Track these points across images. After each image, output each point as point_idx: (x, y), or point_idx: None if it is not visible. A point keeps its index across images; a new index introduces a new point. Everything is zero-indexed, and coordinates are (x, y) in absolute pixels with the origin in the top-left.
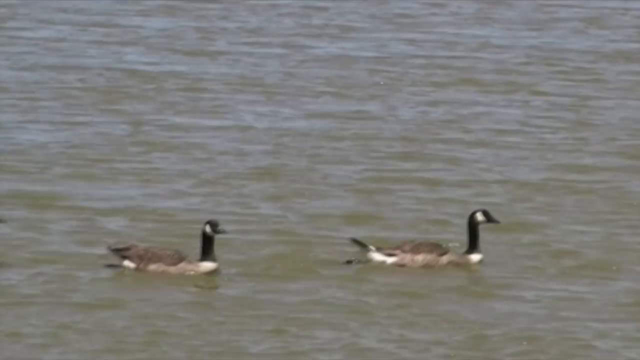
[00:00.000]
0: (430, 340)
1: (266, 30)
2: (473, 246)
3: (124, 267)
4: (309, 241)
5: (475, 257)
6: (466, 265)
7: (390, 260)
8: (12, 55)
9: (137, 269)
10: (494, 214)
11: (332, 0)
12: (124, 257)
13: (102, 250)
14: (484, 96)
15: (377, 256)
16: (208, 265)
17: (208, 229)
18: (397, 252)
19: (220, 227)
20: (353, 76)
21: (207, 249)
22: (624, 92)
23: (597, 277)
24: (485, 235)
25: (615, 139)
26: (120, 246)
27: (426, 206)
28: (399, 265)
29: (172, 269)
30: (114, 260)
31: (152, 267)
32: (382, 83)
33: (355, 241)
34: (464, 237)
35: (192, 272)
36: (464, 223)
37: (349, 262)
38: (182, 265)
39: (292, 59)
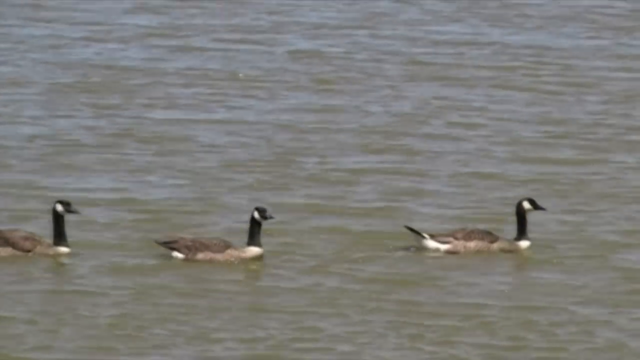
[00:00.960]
0: None
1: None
2: (522, 233)
3: (174, 258)
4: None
5: (524, 244)
6: (516, 252)
7: (443, 247)
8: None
9: (186, 259)
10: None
11: None
12: (172, 249)
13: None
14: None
15: (431, 243)
16: (255, 250)
17: (256, 215)
18: (450, 239)
19: (268, 213)
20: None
21: (253, 235)
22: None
23: None
24: None
25: None
26: (168, 239)
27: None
28: (451, 253)
29: (219, 256)
30: (164, 252)
31: (200, 255)
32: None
33: (410, 229)
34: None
35: (239, 258)
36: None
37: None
38: (229, 252)
39: (269, 55)
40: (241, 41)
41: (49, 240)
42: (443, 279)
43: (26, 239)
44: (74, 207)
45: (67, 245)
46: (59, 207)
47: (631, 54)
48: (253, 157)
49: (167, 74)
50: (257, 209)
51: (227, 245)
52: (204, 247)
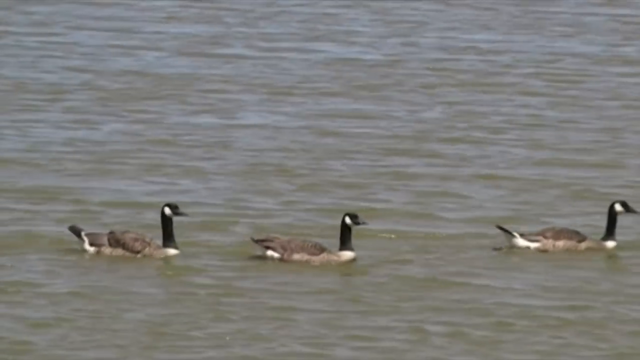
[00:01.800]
0: None
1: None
2: (610, 233)
3: (269, 257)
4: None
5: (610, 244)
6: (603, 251)
7: (533, 245)
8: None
9: (281, 259)
10: None
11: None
12: (268, 248)
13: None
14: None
15: (522, 242)
16: (349, 255)
17: (348, 220)
18: (539, 238)
19: (360, 219)
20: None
21: (345, 239)
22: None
23: None
24: None
25: None
26: (264, 237)
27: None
28: (541, 251)
29: (316, 259)
30: (258, 250)
31: (297, 256)
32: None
33: (501, 228)
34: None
35: (334, 262)
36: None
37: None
38: (324, 255)
39: (298, 61)
40: (275, 49)
41: (159, 242)
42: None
43: (136, 240)
44: (181, 210)
45: (176, 247)
46: (167, 210)
47: None
48: (292, 161)
49: (207, 81)
50: (348, 214)
51: (323, 249)
52: (300, 248)
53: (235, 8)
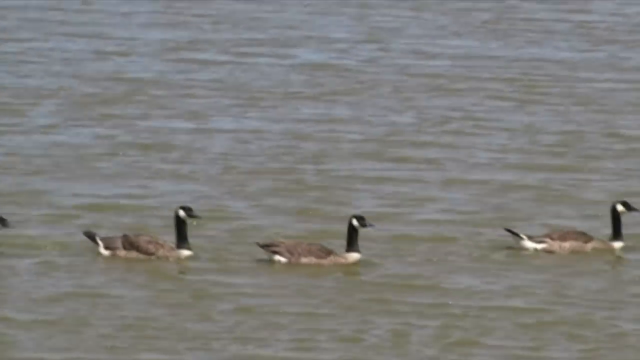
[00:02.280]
0: None
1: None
2: (617, 234)
3: (276, 261)
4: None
5: (617, 244)
6: (610, 252)
7: (540, 246)
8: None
9: (289, 263)
10: None
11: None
12: (275, 252)
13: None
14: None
15: (529, 244)
16: (355, 256)
17: (355, 222)
18: (546, 239)
19: (367, 221)
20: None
21: (352, 241)
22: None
23: None
24: None
25: None
26: (269, 242)
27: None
28: (548, 252)
29: (324, 261)
30: (265, 255)
31: (305, 260)
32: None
33: (509, 230)
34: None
35: (341, 264)
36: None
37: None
38: (331, 257)
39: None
40: (252, 54)
41: (172, 243)
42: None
43: (150, 242)
44: (195, 212)
45: (189, 248)
46: (181, 213)
47: (629, 66)
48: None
49: (184, 87)
50: (355, 217)
51: (329, 251)
52: (307, 252)
53: (209, 14)
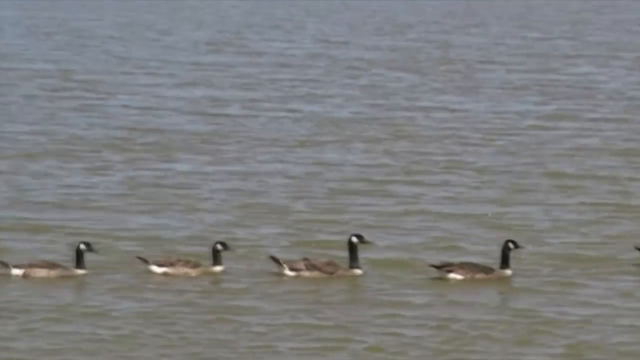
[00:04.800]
0: None
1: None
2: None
3: (451, 279)
4: None
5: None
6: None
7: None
8: None
9: (464, 279)
10: None
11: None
12: (449, 271)
13: None
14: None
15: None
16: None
17: (354, 239)
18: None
19: (366, 238)
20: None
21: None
22: None
23: None
24: None
25: None
26: (442, 263)
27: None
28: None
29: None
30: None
31: (478, 276)
32: None
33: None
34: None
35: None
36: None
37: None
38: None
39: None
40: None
41: (344, 265)
42: None
43: (328, 264)
44: (365, 238)
45: (359, 268)
46: (354, 239)
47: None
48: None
49: (207, 134)
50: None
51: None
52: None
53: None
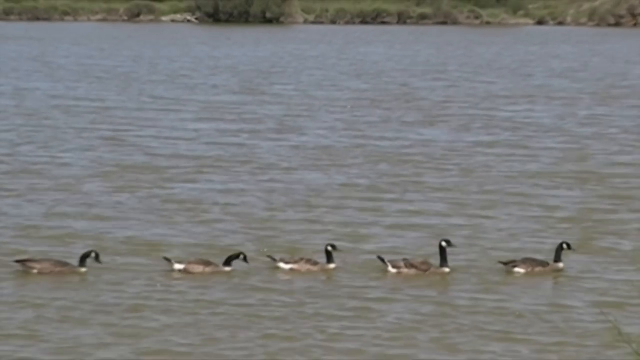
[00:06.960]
0: None
1: None
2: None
3: (515, 273)
4: None
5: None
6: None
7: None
8: None
9: (526, 273)
10: None
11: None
12: (515, 267)
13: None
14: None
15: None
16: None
17: (444, 244)
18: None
19: (453, 242)
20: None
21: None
22: None
23: None
24: None
25: None
26: (509, 260)
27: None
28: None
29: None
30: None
31: (537, 269)
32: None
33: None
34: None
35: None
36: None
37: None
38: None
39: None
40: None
41: (434, 263)
42: None
43: (423, 263)
44: (452, 243)
45: (448, 266)
46: (444, 243)
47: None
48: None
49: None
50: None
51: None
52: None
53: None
